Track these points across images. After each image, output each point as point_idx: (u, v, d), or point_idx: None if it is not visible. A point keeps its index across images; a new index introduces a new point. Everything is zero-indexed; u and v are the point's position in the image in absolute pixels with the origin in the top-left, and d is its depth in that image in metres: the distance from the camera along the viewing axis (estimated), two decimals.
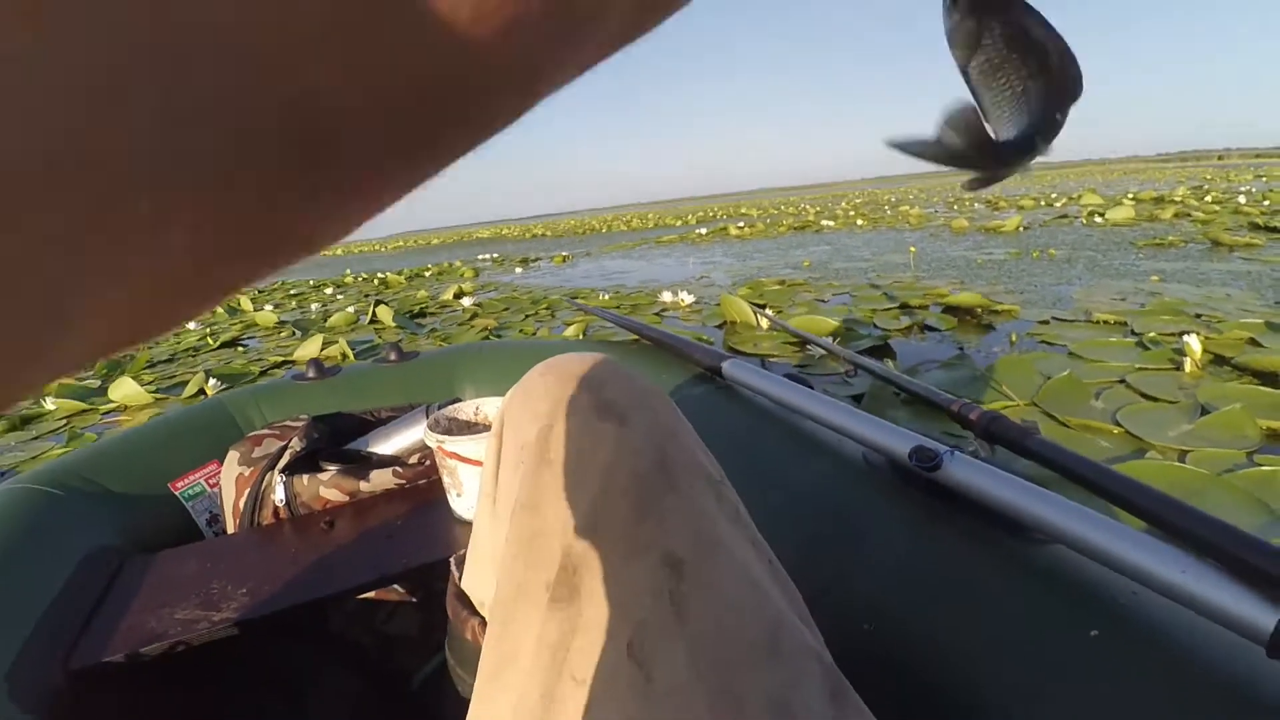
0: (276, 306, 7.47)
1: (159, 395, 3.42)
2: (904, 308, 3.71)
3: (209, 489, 0.98)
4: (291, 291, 10.17)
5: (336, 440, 0.95)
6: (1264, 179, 15.66)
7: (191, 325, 6.54)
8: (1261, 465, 1.50)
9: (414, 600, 0.90)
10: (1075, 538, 0.45)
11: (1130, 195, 11.45)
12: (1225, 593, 0.38)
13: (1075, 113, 0.18)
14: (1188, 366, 2.25)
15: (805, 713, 0.28)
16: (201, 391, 3.29)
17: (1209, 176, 18.61)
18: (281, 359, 4.08)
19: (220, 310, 7.80)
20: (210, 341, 5.21)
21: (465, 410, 0.88)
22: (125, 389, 3.33)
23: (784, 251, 7.86)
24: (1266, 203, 8.59)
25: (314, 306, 7.25)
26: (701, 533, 0.33)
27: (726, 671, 0.29)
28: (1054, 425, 1.88)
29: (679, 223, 20.18)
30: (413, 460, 0.92)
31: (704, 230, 13.76)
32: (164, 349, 5.22)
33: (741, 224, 14.17)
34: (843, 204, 20.90)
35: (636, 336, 1.17)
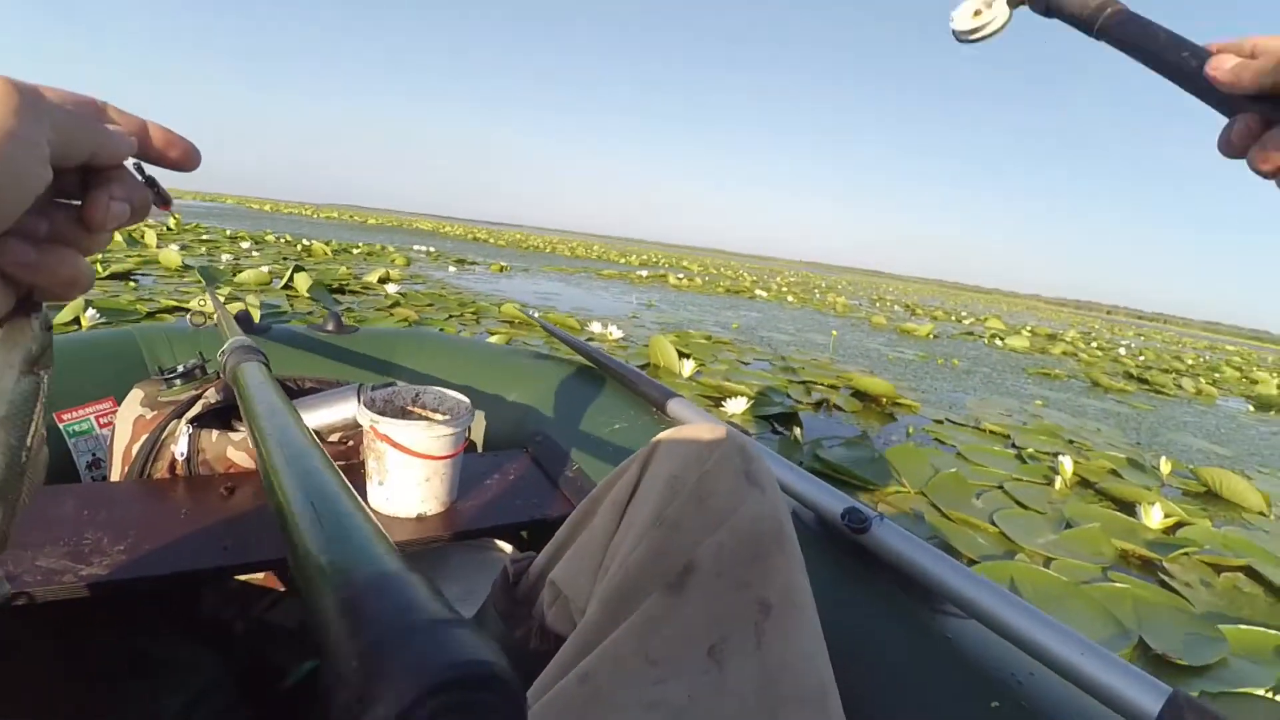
0: (184, 249, 6.92)
1: None
2: (818, 384, 3.85)
3: (98, 428, 0.87)
4: (204, 236, 9.48)
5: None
6: (1142, 338, 17.64)
7: None
8: (1114, 581, 1.63)
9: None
10: (986, 613, 0.47)
11: (1029, 328, 12.59)
12: (1118, 677, 0.40)
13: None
14: (1058, 484, 2.44)
15: None
16: (77, 321, 2.95)
17: (1096, 326, 20.78)
18: (174, 304, 3.74)
19: (119, 238, 7.14)
20: (99, 269, 4.72)
21: (403, 395, 0.83)
22: None
23: (716, 310, 8.06)
24: (1141, 358, 9.67)
25: (225, 257, 6.76)
26: (790, 594, 0.41)
27: (781, 702, 0.37)
28: (938, 515, 1.97)
29: (621, 260, 20.43)
30: (334, 439, 0.85)
31: (644, 273, 13.96)
32: None
33: (681, 275, 14.49)
34: (778, 279, 21.85)
35: (588, 360, 1.16)
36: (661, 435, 0.50)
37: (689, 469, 0.45)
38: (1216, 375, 8.97)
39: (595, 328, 4.50)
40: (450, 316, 4.57)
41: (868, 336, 7.24)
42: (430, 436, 0.72)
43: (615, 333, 4.32)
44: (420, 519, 0.75)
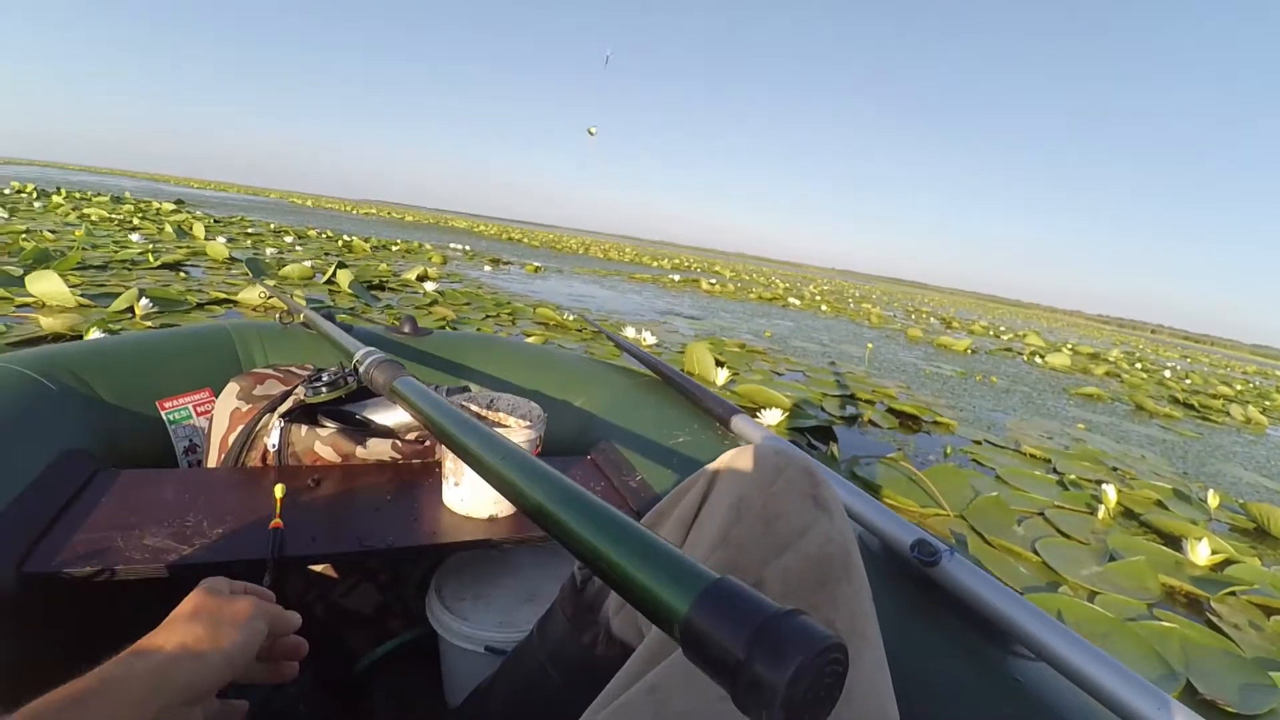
0: (230, 241, 7.12)
1: (84, 301, 3.17)
2: (853, 399, 3.81)
3: (195, 416, 0.93)
4: (249, 229, 9.75)
5: (338, 399, 0.91)
6: (1189, 359, 17.00)
7: (135, 238, 6.16)
8: (1160, 619, 1.58)
9: (378, 580, 0.86)
10: (1058, 657, 0.46)
11: (1070, 345, 12.25)
12: None
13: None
14: (1101, 513, 2.37)
15: None
16: (130, 309, 3.06)
17: (1141, 345, 20.12)
18: (224, 296, 3.86)
19: (168, 229, 7.40)
20: (150, 259, 4.90)
21: (479, 400, 0.87)
22: (47, 284, 3.05)
23: (749, 317, 8.02)
24: (1188, 381, 9.32)
25: (270, 251, 6.95)
26: (857, 623, 0.40)
27: None
28: (979, 541, 1.94)
29: (654, 264, 20.44)
30: (410, 437, 0.89)
31: (677, 277, 13.96)
32: (100, 254, 4.89)
33: (714, 281, 14.45)
34: (810, 287, 21.62)
35: (651, 371, 1.18)
36: (727, 455, 0.51)
37: (756, 491, 0.45)
38: (1266, 403, 8.62)
39: (629, 332, 4.51)
40: (487, 316, 4.63)
41: (903, 350, 7.13)
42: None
43: (649, 338, 4.33)
44: (492, 520, 0.79)
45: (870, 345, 6.73)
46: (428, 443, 0.89)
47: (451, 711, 0.74)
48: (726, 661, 0.22)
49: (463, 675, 0.74)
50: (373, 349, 0.72)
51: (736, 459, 0.50)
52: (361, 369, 0.70)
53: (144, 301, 3.10)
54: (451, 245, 13.25)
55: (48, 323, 2.70)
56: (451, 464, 0.78)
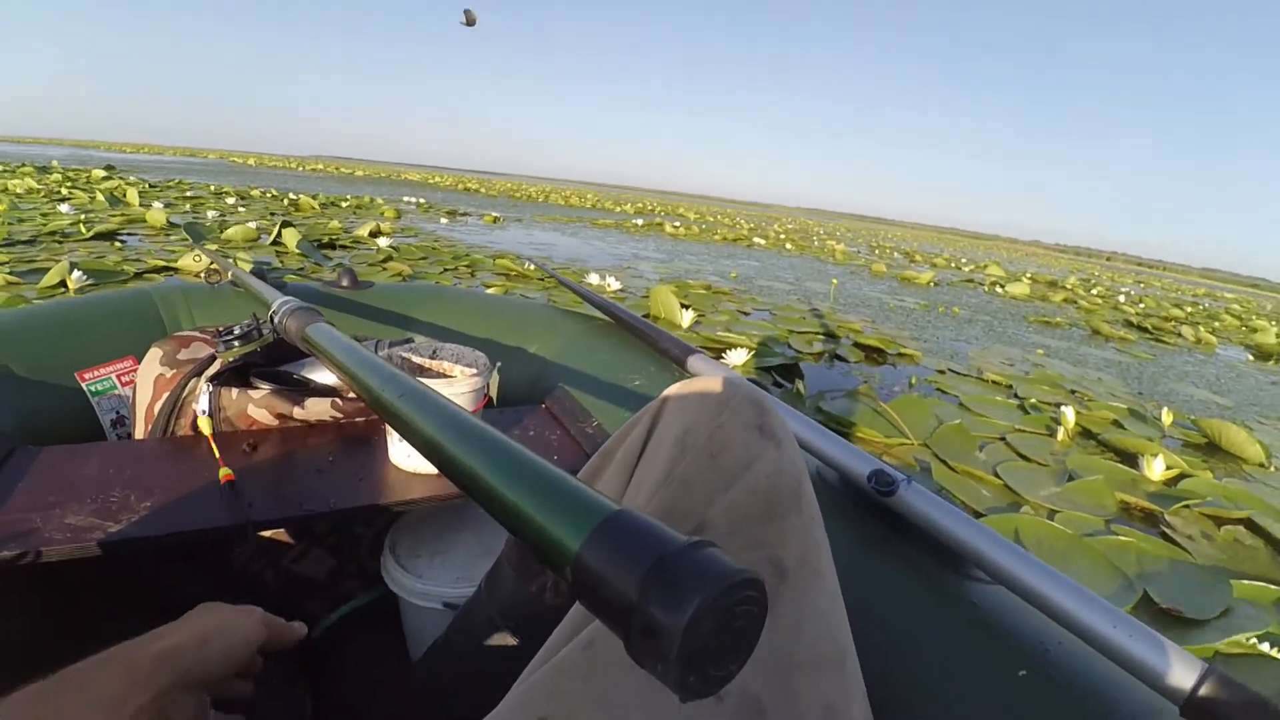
0: (168, 206, 6.75)
1: (12, 278, 2.97)
2: (819, 335, 3.82)
3: (120, 386, 0.88)
4: (188, 193, 9.26)
5: (272, 359, 0.85)
6: (1142, 285, 17.54)
7: (64, 209, 5.78)
8: (1118, 534, 1.64)
9: (328, 543, 0.83)
10: (1015, 579, 0.45)
11: (1029, 275, 12.51)
12: (1149, 650, 0.39)
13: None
14: (1060, 435, 2.44)
15: None
16: (63, 284, 2.88)
17: (1096, 273, 20.67)
18: (163, 264, 3.65)
19: (100, 197, 6.97)
20: (83, 230, 4.60)
21: (421, 350, 0.81)
22: None
23: (714, 259, 7.96)
24: (1142, 305, 9.63)
25: (211, 214, 6.61)
26: (808, 555, 0.38)
27: (797, 668, 0.34)
28: (943, 468, 1.98)
29: (617, 209, 20.11)
30: (353, 395, 0.83)
31: (640, 222, 13.77)
32: (27, 228, 4.56)
33: (678, 224, 14.28)
34: (775, 226, 21.57)
35: (605, 315, 1.14)
36: (670, 390, 0.48)
37: (700, 424, 0.43)
38: (1216, 324, 8.98)
39: (593, 279, 4.44)
40: (445, 270, 4.49)
41: (868, 285, 7.18)
42: (452, 393, 0.71)
43: (613, 284, 4.26)
44: (440, 475, 0.75)
45: (835, 281, 6.76)
46: None
47: (410, 665, 0.72)
48: (618, 604, 0.19)
49: (423, 633, 0.71)
50: (289, 299, 0.66)
51: (679, 395, 0.47)
52: (276, 319, 0.65)
53: (76, 274, 2.92)
54: (405, 199, 12.80)
55: None
56: None
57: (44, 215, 5.37)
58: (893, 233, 43.44)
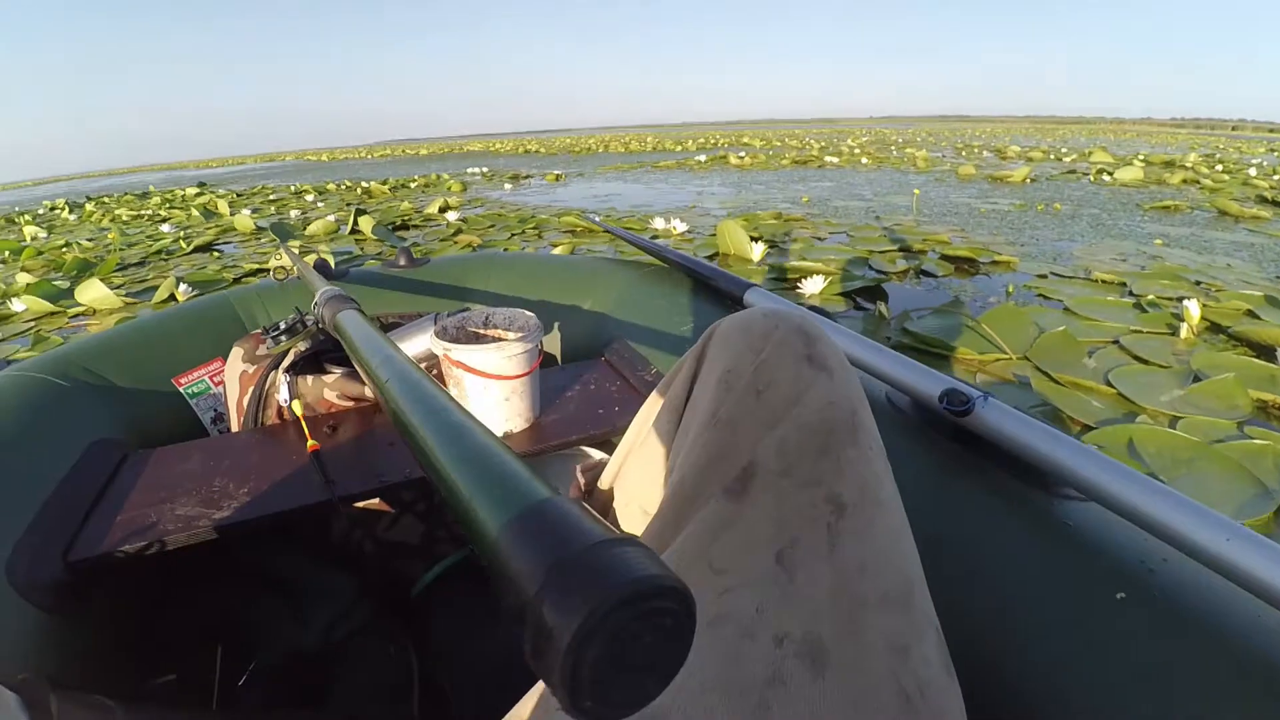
0: (255, 211, 7.18)
1: (129, 299, 3.27)
2: (902, 251, 3.61)
3: (213, 386, 0.96)
4: (271, 197, 9.80)
5: (342, 345, 0.90)
6: (1276, 153, 15.35)
7: (165, 228, 6.28)
8: (1252, 437, 1.47)
9: (416, 510, 0.89)
10: (1110, 495, 0.41)
11: (1141, 157, 11.21)
12: (1270, 564, 0.34)
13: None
14: (1184, 332, 2.20)
15: (923, 665, 0.32)
16: (172, 297, 3.15)
17: (1221, 145, 18.23)
18: (256, 266, 3.91)
19: (195, 213, 7.51)
20: (184, 245, 4.99)
21: (474, 319, 0.85)
22: (93, 292, 3.18)
23: (784, 185, 7.63)
24: (1277, 177, 8.43)
25: (294, 213, 6.98)
26: (868, 488, 0.36)
27: (860, 606, 0.33)
28: (1045, 381, 1.84)
29: (678, 148, 19.57)
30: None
31: (703, 158, 13.34)
32: (136, 252, 5.00)
33: (742, 154, 13.73)
34: (849, 141, 20.34)
35: (658, 260, 1.13)
36: (713, 327, 0.46)
37: (743, 360, 0.41)
38: None
39: (658, 224, 4.37)
40: (513, 235, 4.55)
41: (955, 190, 6.68)
42: (502, 357, 0.73)
43: (679, 226, 4.18)
44: (507, 436, 0.77)
45: (917, 191, 6.33)
46: (435, 372, 0.87)
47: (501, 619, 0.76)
48: (518, 599, 0.16)
49: None
50: (329, 288, 0.69)
51: (722, 332, 0.45)
52: (318, 309, 0.67)
53: (183, 287, 3.19)
54: (469, 170, 12.99)
55: (96, 327, 2.81)
56: (455, 389, 0.76)
57: (149, 237, 5.86)
58: (980, 129, 39.94)
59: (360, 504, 0.86)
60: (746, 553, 0.34)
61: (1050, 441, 0.45)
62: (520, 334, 0.81)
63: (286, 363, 0.84)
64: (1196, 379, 1.82)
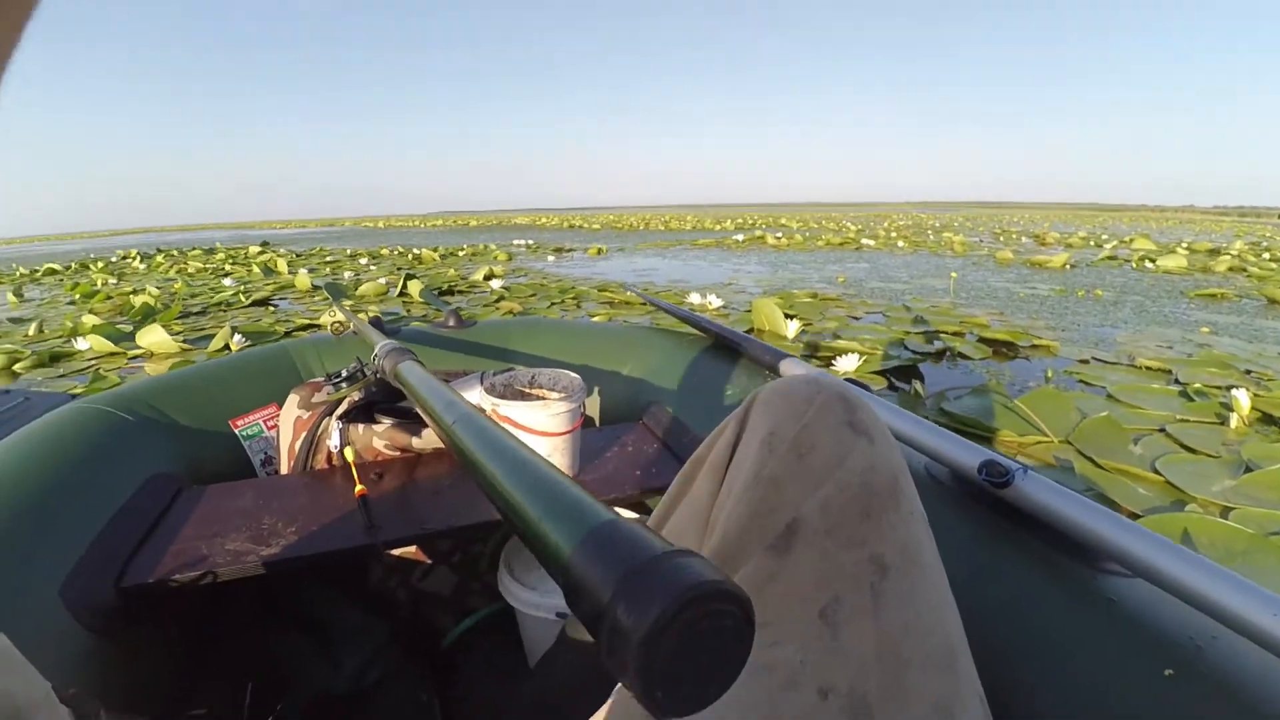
0: (311, 271, 7.58)
1: (186, 346, 3.47)
2: (938, 334, 3.61)
3: (266, 431, 1.00)
4: (328, 258, 10.34)
5: (392, 396, 0.95)
6: None
7: (227, 282, 6.67)
8: None
9: (451, 561, 0.91)
10: (1155, 570, 0.41)
11: (1184, 245, 11.09)
12: None
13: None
14: (1234, 422, 2.14)
15: None
16: (226, 346, 3.32)
17: (1268, 234, 17.93)
18: (308, 321, 4.12)
19: (256, 269, 7.96)
20: (242, 298, 5.29)
21: (520, 379, 0.88)
22: (154, 336, 3.39)
23: (820, 265, 7.74)
24: None
25: (347, 274, 7.34)
26: (909, 551, 0.37)
27: (904, 666, 0.33)
28: (1089, 465, 1.80)
29: (717, 227, 20.10)
30: None
31: (741, 237, 13.67)
32: (198, 301, 5.33)
33: (779, 234, 14.04)
34: (885, 224, 20.61)
35: (696, 329, 1.17)
36: (756, 392, 0.48)
37: (786, 424, 0.42)
38: None
39: (694, 298, 4.46)
40: (552, 304, 4.70)
41: (993, 275, 6.68)
42: (548, 415, 0.77)
43: (715, 301, 4.27)
44: None
45: (954, 274, 6.35)
46: None
47: (529, 673, 0.77)
48: (595, 609, 0.19)
49: (539, 641, 0.76)
50: (389, 341, 0.73)
51: (765, 397, 0.47)
52: (378, 361, 0.72)
53: (237, 337, 3.37)
54: (515, 242, 13.52)
55: (153, 369, 2.97)
56: None
57: (211, 289, 6.23)
58: (1017, 215, 40.13)
59: (397, 551, 0.88)
60: (790, 607, 0.35)
61: (1093, 515, 0.45)
62: (564, 393, 0.85)
63: (340, 410, 0.88)
64: (1248, 469, 1.76)
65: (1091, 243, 11.89)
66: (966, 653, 0.36)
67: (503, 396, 0.81)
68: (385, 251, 11.13)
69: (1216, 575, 0.38)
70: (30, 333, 4.19)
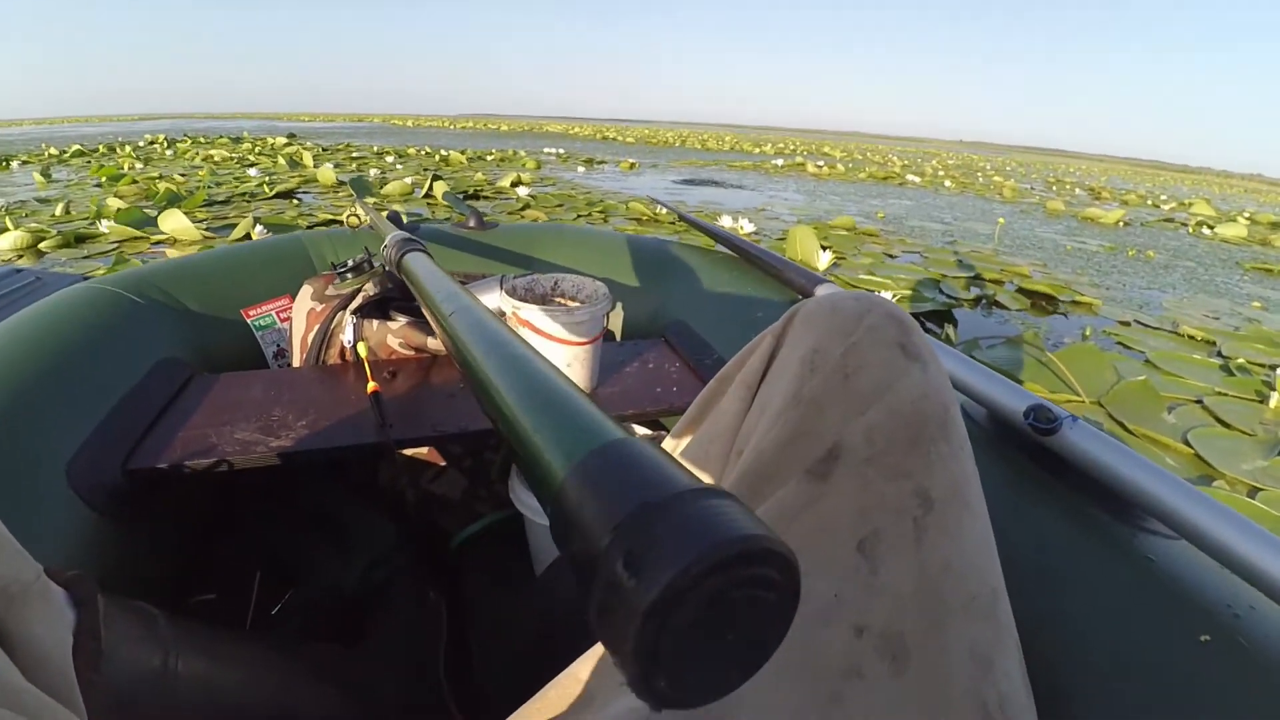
0: (337, 167, 7.45)
1: (207, 234, 3.45)
2: (977, 279, 3.48)
3: (279, 322, 0.98)
4: (354, 154, 10.15)
5: (409, 294, 0.92)
6: None
7: (252, 172, 6.59)
8: None
9: (463, 466, 0.89)
10: (1201, 533, 0.39)
11: (1246, 214, 10.50)
12: None
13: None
14: (1274, 401, 2.06)
15: (1005, 679, 0.31)
16: (248, 237, 3.30)
17: None
18: (330, 217, 4.07)
19: (281, 161, 7.85)
20: (266, 190, 5.23)
21: (543, 283, 0.85)
22: (175, 222, 3.36)
23: (860, 199, 7.46)
24: None
25: (373, 172, 7.21)
26: (958, 487, 0.35)
27: (943, 609, 0.31)
28: (1119, 430, 1.75)
29: (756, 150, 19.37)
30: None
31: (780, 162, 13.17)
32: (223, 190, 5.27)
33: (821, 163, 13.48)
34: (933, 162, 19.73)
35: (728, 248, 1.11)
36: (797, 306, 0.44)
37: (831, 342, 0.39)
38: None
39: (725, 221, 4.33)
40: (579, 216, 4.60)
41: (1041, 225, 6.40)
42: (569, 321, 0.73)
43: (747, 226, 4.13)
44: None
45: (1001, 221, 6.09)
46: None
47: (536, 582, 0.77)
48: (587, 548, 0.14)
49: (547, 550, 0.76)
50: (399, 233, 0.69)
51: (808, 311, 0.43)
52: (387, 252, 0.68)
53: (259, 229, 3.34)
54: (546, 150, 13.16)
55: (175, 255, 2.97)
56: None
57: (236, 179, 6.17)
58: (1075, 166, 38.12)
59: (409, 451, 0.87)
60: (826, 537, 0.33)
61: (1142, 471, 0.43)
62: (587, 302, 0.81)
63: (354, 304, 0.85)
64: None
65: (1149, 202, 11.30)
66: (1005, 600, 0.34)
67: (523, 300, 0.78)
68: (412, 151, 10.88)
69: (1265, 542, 0.36)
70: (57, 213, 4.19)
